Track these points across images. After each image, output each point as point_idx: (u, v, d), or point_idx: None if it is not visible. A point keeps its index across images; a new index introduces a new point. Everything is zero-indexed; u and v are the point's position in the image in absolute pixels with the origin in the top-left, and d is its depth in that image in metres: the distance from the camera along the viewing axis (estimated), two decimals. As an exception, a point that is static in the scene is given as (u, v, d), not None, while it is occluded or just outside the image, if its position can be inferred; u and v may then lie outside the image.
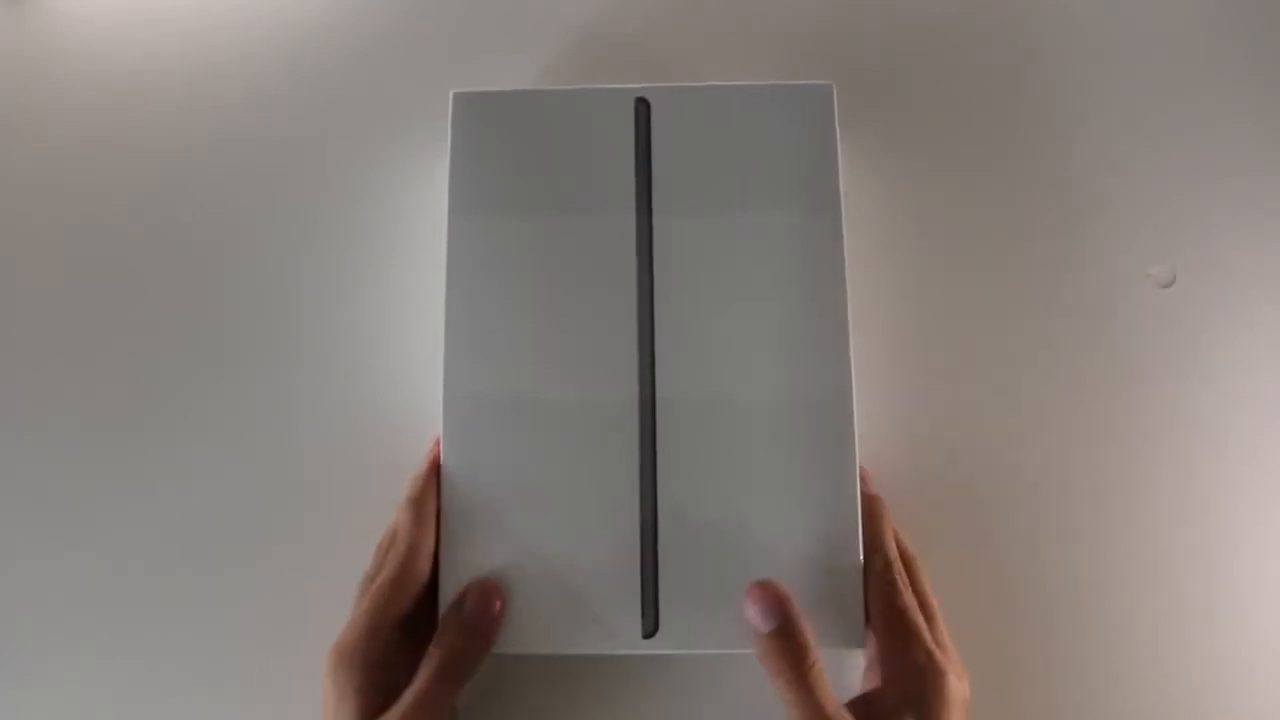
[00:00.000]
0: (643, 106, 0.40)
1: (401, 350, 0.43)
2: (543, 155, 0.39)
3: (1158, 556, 0.41)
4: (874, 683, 0.35)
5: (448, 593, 0.36)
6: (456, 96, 0.40)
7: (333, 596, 0.40)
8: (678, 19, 0.46)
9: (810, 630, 0.35)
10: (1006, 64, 0.46)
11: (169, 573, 0.42)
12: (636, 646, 0.36)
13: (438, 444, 0.38)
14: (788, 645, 0.34)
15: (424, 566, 0.36)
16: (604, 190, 0.39)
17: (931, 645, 0.34)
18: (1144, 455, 0.42)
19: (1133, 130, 0.45)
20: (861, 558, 0.36)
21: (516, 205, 0.39)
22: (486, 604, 0.36)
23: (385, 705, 0.34)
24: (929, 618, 0.36)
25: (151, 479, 0.42)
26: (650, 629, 0.36)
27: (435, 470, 0.37)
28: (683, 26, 0.46)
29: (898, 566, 0.36)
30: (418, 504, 0.37)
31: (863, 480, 0.38)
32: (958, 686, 0.34)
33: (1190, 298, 0.43)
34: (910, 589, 0.36)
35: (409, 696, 0.34)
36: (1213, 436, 0.42)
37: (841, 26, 0.46)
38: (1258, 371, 0.43)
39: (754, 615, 0.35)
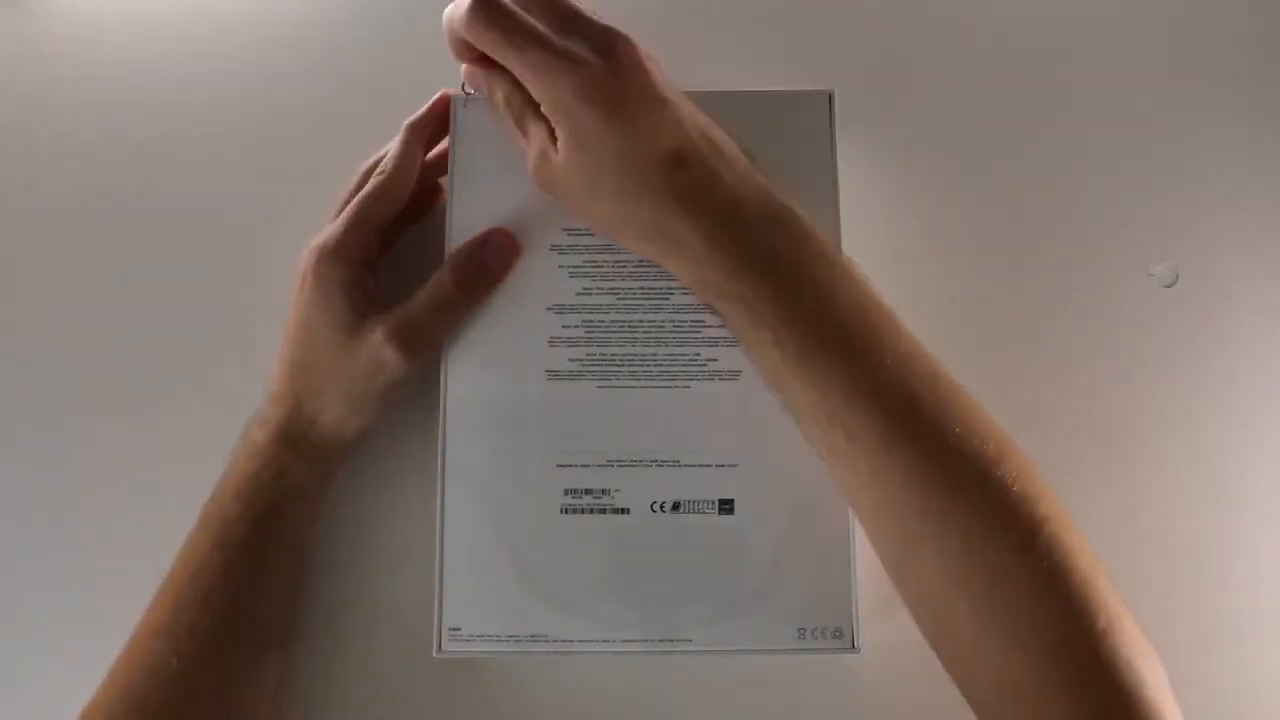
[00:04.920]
0: None
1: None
2: None
3: (1157, 557, 0.41)
4: None
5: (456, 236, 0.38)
6: (458, 98, 0.40)
7: (333, 591, 0.40)
8: (681, 23, 0.46)
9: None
10: (1007, 65, 0.46)
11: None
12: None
13: (443, 99, 0.39)
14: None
15: (406, 188, 0.37)
16: None
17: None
18: (1145, 455, 0.42)
19: (1133, 129, 0.45)
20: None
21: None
22: (508, 245, 0.38)
23: (368, 305, 0.36)
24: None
25: (150, 480, 0.42)
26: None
27: (438, 106, 0.39)
28: (685, 31, 0.46)
29: None
30: (415, 130, 0.38)
31: None
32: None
33: (1191, 297, 0.43)
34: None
35: (423, 297, 0.36)
36: (1214, 436, 0.42)
37: (843, 30, 0.46)
38: (1259, 370, 0.43)
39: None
